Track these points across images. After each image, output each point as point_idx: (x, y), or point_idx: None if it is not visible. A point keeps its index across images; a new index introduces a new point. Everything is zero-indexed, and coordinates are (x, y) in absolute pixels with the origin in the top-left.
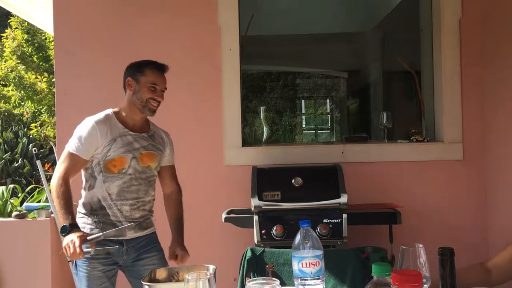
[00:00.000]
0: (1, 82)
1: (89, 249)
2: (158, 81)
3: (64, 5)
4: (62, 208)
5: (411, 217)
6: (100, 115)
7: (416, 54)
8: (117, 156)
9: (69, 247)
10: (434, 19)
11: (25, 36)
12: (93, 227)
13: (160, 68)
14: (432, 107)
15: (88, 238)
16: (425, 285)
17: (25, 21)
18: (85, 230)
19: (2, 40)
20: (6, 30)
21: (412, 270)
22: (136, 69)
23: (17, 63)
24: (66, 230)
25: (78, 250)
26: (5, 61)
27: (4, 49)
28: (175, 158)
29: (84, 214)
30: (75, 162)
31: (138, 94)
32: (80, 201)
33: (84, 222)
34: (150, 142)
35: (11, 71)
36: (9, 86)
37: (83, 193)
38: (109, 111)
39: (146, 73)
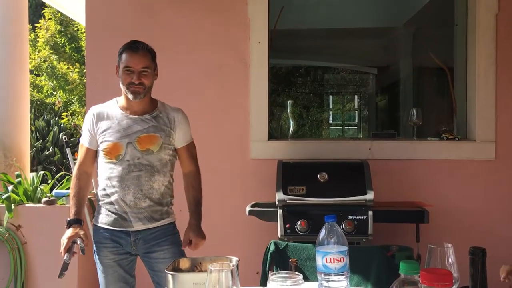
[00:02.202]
0: (34, 72)
1: (66, 257)
2: (132, 62)
3: None
4: (71, 199)
5: (439, 217)
6: (101, 104)
7: (449, 50)
8: (111, 142)
9: (61, 244)
10: (469, 13)
11: (58, 27)
12: (104, 215)
13: (132, 48)
14: (464, 104)
15: (66, 252)
16: (453, 286)
17: (59, 12)
18: (100, 217)
19: (36, 31)
20: (40, 21)
21: (442, 269)
22: (118, 55)
23: (50, 53)
24: (66, 224)
25: (62, 253)
26: (38, 51)
27: (38, 39)
28: (199, 145)
29: (98, 202)
30: (84, 152)
31: (121, 80)
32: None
33: (99, 211)
34: (152, 123)
35: (44, 61)
36: (42, 76)
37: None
38: (115, 99)
39: (121, 57)
